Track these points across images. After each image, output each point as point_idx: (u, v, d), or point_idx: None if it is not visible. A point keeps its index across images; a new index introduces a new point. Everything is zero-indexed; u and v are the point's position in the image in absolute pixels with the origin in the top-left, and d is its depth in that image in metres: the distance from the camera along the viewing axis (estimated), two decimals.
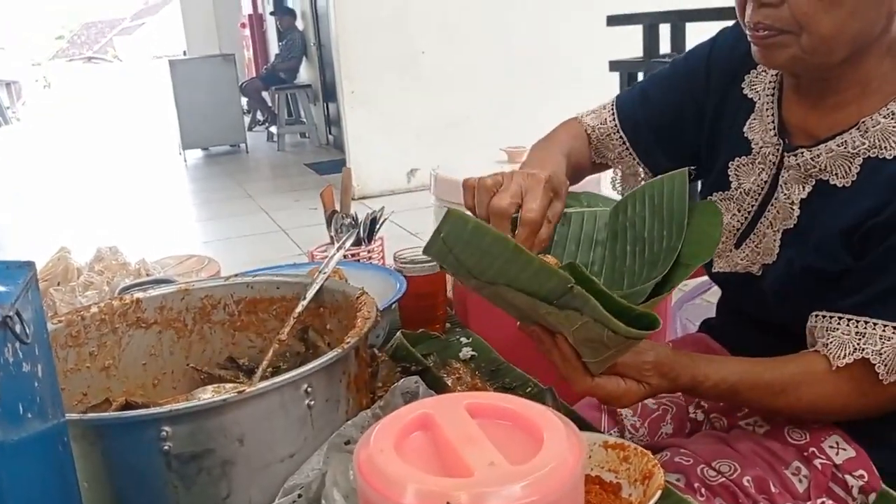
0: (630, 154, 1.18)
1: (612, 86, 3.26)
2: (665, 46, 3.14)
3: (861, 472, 0.90)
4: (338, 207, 1.62)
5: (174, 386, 1.08)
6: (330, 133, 8.70)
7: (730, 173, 1.05)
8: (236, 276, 1.13)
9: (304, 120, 9.20)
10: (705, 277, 1.48)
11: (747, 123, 1.03)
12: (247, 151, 8.76)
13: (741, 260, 1.03)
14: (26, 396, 0.56)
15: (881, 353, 0.86)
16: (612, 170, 1.25)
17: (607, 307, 0.76)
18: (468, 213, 0.85)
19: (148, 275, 1.36)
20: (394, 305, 1.32)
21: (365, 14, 5.93)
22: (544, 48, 6.03)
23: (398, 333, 1.24)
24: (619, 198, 1.12)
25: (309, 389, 0.80)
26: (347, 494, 0.76)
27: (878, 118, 0.89)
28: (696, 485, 0.91)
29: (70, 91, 22.04)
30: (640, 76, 3.09)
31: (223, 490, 0.76)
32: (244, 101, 9.57)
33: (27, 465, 0.56)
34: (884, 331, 0.86)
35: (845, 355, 0.87)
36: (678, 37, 3.14)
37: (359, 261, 1.57)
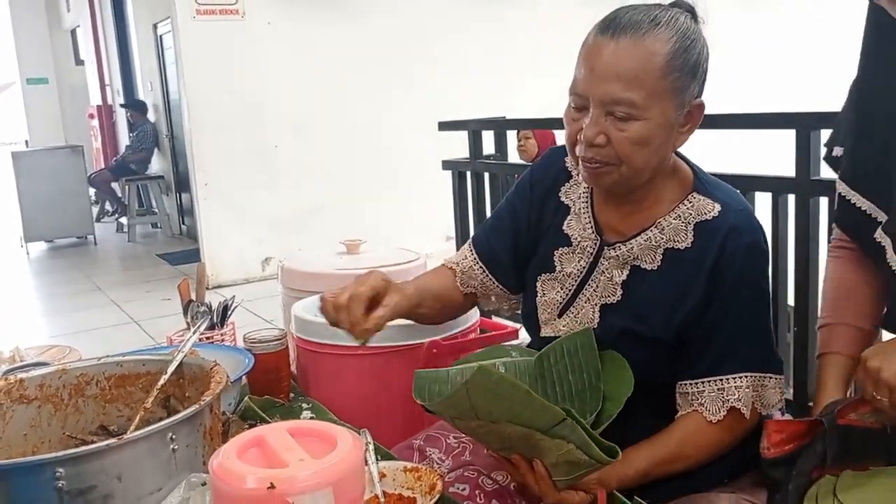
0: (490, 279, 1.43)
1: (446, 180, 3.66)
2: (489, 148, 3.59)
3: None
4: (193, 297, 1.85)
5: (51, 452, 1.27)
6: (183, 223, 8.72)
7: (555, 260, 1.32)
8: (108, 357, 1.35)
9: (156, 210, 9.17)
10: (513, 342, 1.82)
11: (566, 222, 1.32)
12: (95, 243, 8.59)
13: (563, 327, 1.31)
14: None
15: (740, 399, 1.18)
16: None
17: (589, 436, 1.02)
18: (493, 369, 1.06)
19: (22, 360, 1.53)
20: (244, 379, 1.57)
21: (218, 109, 6.15)
22: (388, 146, 6.48)
23: (246, 398, 1.48)
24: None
25: (173, 437, 1.03)
26: None
27: (669, 219, 1.21)
28: (476, 491, 1.18)
29: None
30: (469, 175, 3.50)
31: None
32: (92, 191, 9.43)
33: None
34: (736, 381, 1.18)
35: (718, 410, 1.18)
36: (501, 140, 3.60)
37: (213, 342, 1.79)
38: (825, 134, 2.10)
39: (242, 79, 6.15)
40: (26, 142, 12.06)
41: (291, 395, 1.67)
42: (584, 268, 1.30)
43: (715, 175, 2.20)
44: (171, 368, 1.26)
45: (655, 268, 1.23)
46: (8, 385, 1.23)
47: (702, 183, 1.24)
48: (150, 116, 8.98)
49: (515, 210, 1.41)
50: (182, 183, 8.33)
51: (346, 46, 6.44)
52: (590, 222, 1.31)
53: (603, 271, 1.28)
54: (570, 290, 1.32)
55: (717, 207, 1.20)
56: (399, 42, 6.58)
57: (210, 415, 1.13)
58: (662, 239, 1.22)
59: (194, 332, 1.35)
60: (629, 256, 1.25)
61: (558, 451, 1.03)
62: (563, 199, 1.36)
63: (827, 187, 2.12)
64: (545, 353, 1.30)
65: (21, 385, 1.25)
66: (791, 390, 2.32)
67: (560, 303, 1.33)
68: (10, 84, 12.65)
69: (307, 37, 6.35)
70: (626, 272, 1.26)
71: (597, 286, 1.28)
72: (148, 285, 6.40)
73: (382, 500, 1.07)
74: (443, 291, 1.45)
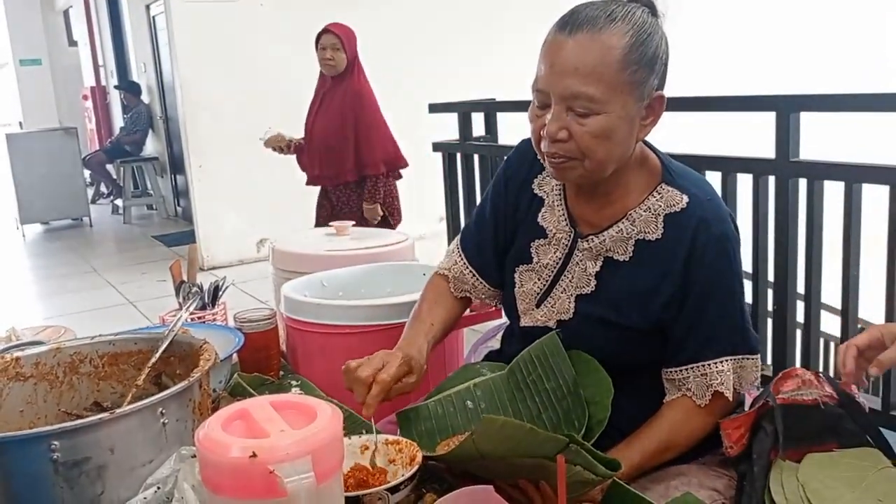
0: (481, 282, 1.47)
1: (438, 162, 3.70)
2: (479, 130, 3.62)
3: None
4: (185, 278, 1.89)
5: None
6: (178, 205, 8.75)
7: (532, 251, 1.35)
8: (101, 335, 1.39)
9: (151, 192, 9.19)
10: (495, 322, 1.87)
11: (540, 214, 1.36)
12: (90, 225, 8.63)
13: (541, 316, 1.35)
14: None
15: (723, 383, 1.23)
16: None
17: (592, 455, 1.02)
18: (497, 417, 1.04)
19: (18, 339, 1.58)
20: (234, 357, 1.62)
21: (211, 91, 6.17)
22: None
23: (236, 374, 1.53)
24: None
25: (163, 411, 1.08)
26: (194, 485, 1.05)
27: (639, 211, 1.25)
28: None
29: None
30: (459, 156, 3.53)
31: (98, 488, 1.03)
32: (87, 173, 9.44)
33: None
34: (718, 366, 1.23)
35: (703, 395, 1.23)
36: (491, 122, 3.63)
37: (204, 322, 1.84)
38: (805, 116, 2.15)
39: (235, 61, 6.16)
40: (20, 123, 12.03)
41: (281, 372, 1.71)
42: (559, 259, 1.34)
43: (697, 157, 2.26)
44: (162, 347, 1.31)
45: (627, 259, 1.27)
46: (4, 363, 1.28)
47: (669, 173, 1.28)
48: (144, 98, 8.98)
49: (495, 207, 1.45)
50: (177, 165, 8.35)
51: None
52: (563, 215, 1.34)
53: (577, 262, 1.32)
54: (546, 281, 1.35)
55: (685, 199, 1.24)
56: (391, 24, 6.58)
57: (199, 390, 1.17)
58: (633, 230, 1.26)
59: (185, 311, 1.39)
60: (601, 248, 1.29)
61: (566, 473, 1.02)
62: (536, 191, 1.39)
63: (806, 168, 2.17)
64: (515, 365, 1.34)
65: (17, 363, 1.29)
66: (771, 367, 2.39)
67: (537, 293, 1.36)
68: (3, 65, 12.58)
69: (299, 19, 6.34)
70: (599, 263, 1.29)
71: (572, 277, 1.32)
72: (143, 267, 6.45)
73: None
74: (447, 310, 1.48)
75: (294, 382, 1.63)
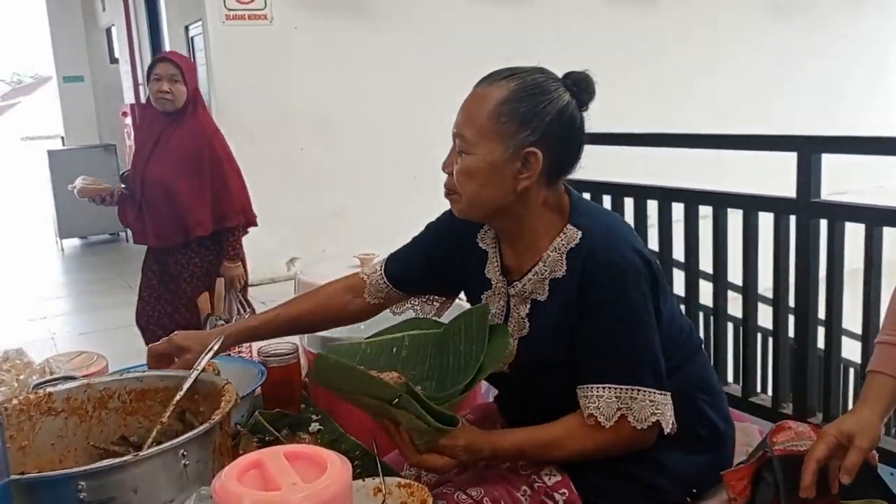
0: (394, 292, 1.58)
1: None
2: None
3: (564, 490, 1.32)
4: (212, 311, 1.95)
5: (77, 460, 1.37)
6: None
7: (483, 303, 1.45)
8: (129, 371, 1.45)
9: None
10: None
11: (486, 267, 1.45)
12: (127, 240, 8.79)
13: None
14: (2, 462, 0.88)
15: (598, 408, 1.27)
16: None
17: (426, 409, 1.20)
18: (331, 355, 1.29)
19: (52, 373, 1.65)
20: (256, 391, 1.67)
21: (246, 111, 6.29)
22: (412, 149, 6.56)
23: (256, 412, 1.58)
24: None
25: (185, 453, 1.13)
26: None
27: (549, 253, 1.34)
28: None
29: None
30: None
31: None
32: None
33: None
34: (597, 391, 1.27)
35: (611, 416, 1.27)
36: None
37: (230, 355, 1.89)
38: (826, 158, 2.16)
39: (270, 82, 6.29)
40: (62, 139, 12.34)
41: (302, 405, 1.76)
42: (503, 307, 1.43)
43: (719, 194, 2.27)
44: (186, 385, 1.36)
45: (545, 298, 1.35)
46: (38, 399, 1.34)
47: (575, 213, 1.36)
48: None
49: (433, 231, 1.56)
50: None
51: (371, 52, 6.54)
52: (497, 265, 1.44)
53: (513, 307, 1.41)
54: None
55: (580, 234, 1.32)
56: (423, 48, 6.67)
57: (220, 432, 1.22)
58: (546, 271, 1.35)
59: (208, 352, 1.45)
60: (524, 292, 1.38)
61: (405, 419, 1.21)
62: (480, 244, 1.48)
63: (827, 209, 2.17)
64: (448, 327, 1.46)
65: (49, 399, 1.36)
66: (791, 405, 2.38)
67: None
68: (47, 79, 12.93)
69: (333, 42, 6.47)
70: (528, 307, 1.38)
71: (514, 323, 1.40)
72: None
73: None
74: (341, 304, 1.61)
75: (314, 416, 1.67)
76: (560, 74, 1.33)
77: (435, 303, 1.61)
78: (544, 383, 1.37)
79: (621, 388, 1.27)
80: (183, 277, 3.19)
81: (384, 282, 1.58)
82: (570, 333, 1.32)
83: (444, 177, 1.37)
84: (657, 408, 1.28)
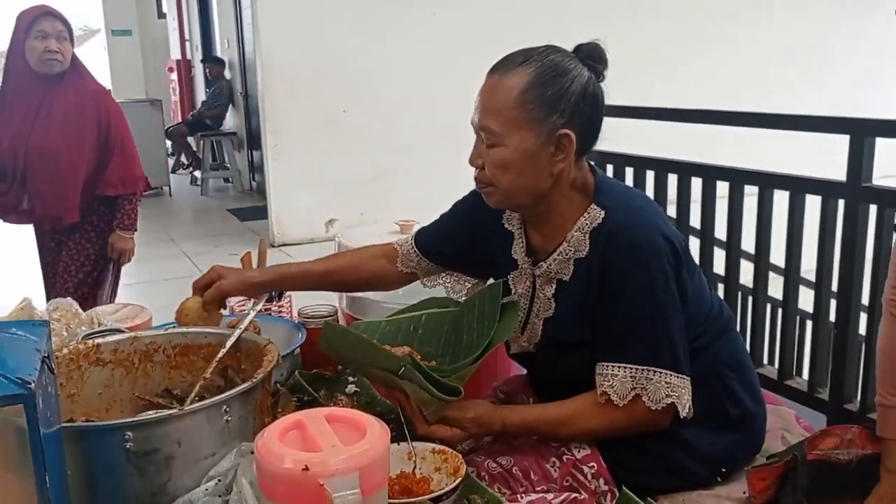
0: (425, 262, 1.60)
1: None
2: None
3: (593, 463, 1.33)
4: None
5: (122, 410, 1.42)
6: (253, 179, 8.98)
7: (510, 284, 1.46)
8: (174, 325, 1.49)
9: (229, 166, 9.46)
10: None
11: (513, 248, 1.46)
12: (170, 195, 8.94)
13: (524, 343, 1.45)
14: (53, 410, 0.92)
15: (612, 386, 1.28)
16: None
17: (430, 380, 1.24)
18: (340, 325, 1.32)
19: (100, 324, 1.69)
20: (296, 351, 1.70)
21: (290, 72, 6.31)
22: (454, 115, 6.50)
23: (296, 373, 1.61)
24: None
25: (227, 409, 1.16)
26: (251, 481, 1.13)
27: (573, 233, 1.34)
28: (482, 473, 1.30)
29: None
30: None
31: (165, 477, 1.12)
32: (169, 144, 9.77)
33: (52, 452, 0.92)
34: (612, 370, 1.28)
35: (625, 395, 1.28)
36: None
37: (270, 314, 1.93)
38: (880, 142, 2.11)
39: (314, 44, 6.28)
40: (109, 91, 12.48)
41: (339, 367, 1.79)
42: (528, 287, 1.44)
43: (767, 175, 2.24)
44: (229, 342, 1.39)
45: (570, 279, 1.36)
46: (86, 349, 1.39)
47: (598, 192, 1.35)
48: (227, 74, 9.22)
49: (459, 210, 1.57)
50: (254, 140, 8.56)
51: (419, 18, 6.50)
52: (523, 245, 1.44)
53: (539, 288, 1.41)
54: (524, 310, 1.44)
55: (602, 213, 1.32)
56: (469, 12, 6.60)
57: (261, 390, 1.25)
58: (571, 251, 1.35)
59: (252, 310, 1.48)
60: (550, 272, 1.38)
61: (410, 390, 1.25)
62: (506, 225, 1.48)
63: (877, 195, 2.13)
64: (463, 305, 1.50)
65: (97, 350, 1.40)
66: (827, 390, 2.36)
67: (520, 322, 1.45)
68: (96, 31, 13.04)
69: (381, 5, 6.43)
70: (553, 287, 1.39)
71: (539, 303, 1.41)
72: (217, 239, 6.67)
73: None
74: (375, 269, 1.63)
75: (351, 379, 1.70)
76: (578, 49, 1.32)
77: (466, 283, 1.62)
78: (569, 362, 1.38)
79: (637, 368, 1.28)
80: (80, 252, 3.00)
81: (415, 251, 1.60)
82: (591, 312, 1.33)
83: None
84: (673, 389, 1.28)
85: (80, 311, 1.75)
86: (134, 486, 1.10)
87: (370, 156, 6.57)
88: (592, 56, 1.31)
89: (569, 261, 1.35)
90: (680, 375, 1.29)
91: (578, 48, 1.32)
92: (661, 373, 1.28)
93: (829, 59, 7.97)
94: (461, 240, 1.55)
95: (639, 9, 7.10)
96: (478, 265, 1.57)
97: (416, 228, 2.41)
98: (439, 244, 1.59)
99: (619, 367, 1.29)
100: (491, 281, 1.53)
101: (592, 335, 1.33)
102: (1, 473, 0.83)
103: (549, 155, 1.29)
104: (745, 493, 1.29)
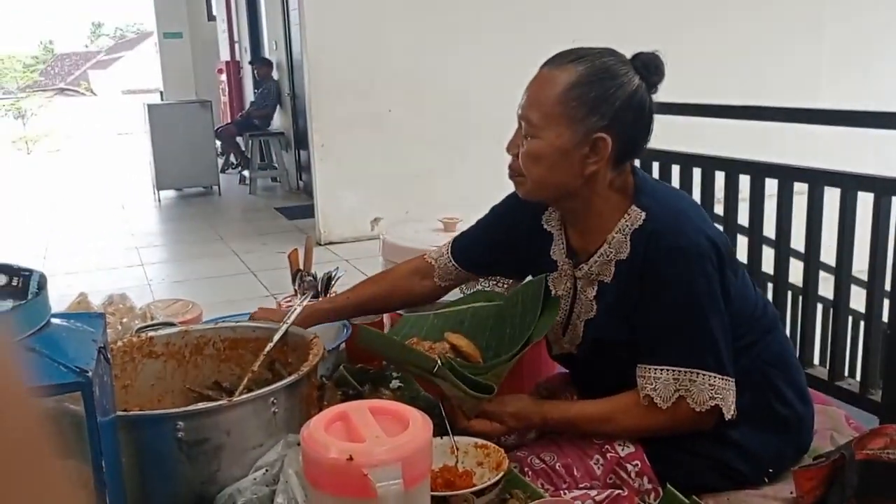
0: (463, 273, 1.61)
1: None
2: None
3: (636, 461, 1.32)
4: (301, 267, 2.02)
5: (173, 401, 1.46)
6: (301, 179, 9.10)
7: (550, 285, 1.45)
8: (224, 320, 1.53)
9: (276, 165, 9.59)
10: None
11: (552, 249, 1.46)
12: (219, 194, 9.09)
13: (566, 344, 1.46)
14: (109, 398, 0.96)
15: (655, 389, 1.27)
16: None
17: (463, 379, 1.26)
18: (372, 329, 1.41)
19: (152, 318, 1.74)
20: (341, 346, 1.73)
21: (336, 72, 6.37)
22: (499, 115, 6.51)
23: (341, 367, 1.64)
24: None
25: (274, 401, 1.19)
26: (297, 471, 1.15)
27: (614, 234, 1.33)
28: (525, 469, 1.30)
29: (43, 122, 22.12)
30: None
31: (214, 466, 1.15)
32: (218, 144, 9.94)
33: (108, 438, 0.95)
34: (655, 372, 1.28)
35: (668, 398, 1.27)
36: None
37: None
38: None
39: (360, 44, 6.33)
40: (161, 93, 12.77)
41: (384, 363, 1.81)
42: (569, 289, 1.44)
43: (815, 171, 2.20)
44: (276, 336, 1.43)
45: (611, 280, 1.35)
46: (140, 342, 1.43)
47: (639, 194, 1.34)
48: (274, 75, 9.35)
49: (498, 215, 1.58)
50: (301, 140, 8.67)
51: (464, 18, 6.51)
52: (563, 246, 1.44)
53: (581, 290, 1.42)
54: (565, 311, 1.44)
55: (643, 215, 1.31)
56: (515, 12, 6.59)
57: (307, 383, 1.28)
58: (612, 253, 1.35)
59: (300, 305, 1.51)
60: (591, 274, 1.38)
61: (445, 387, 1.29)
62: (545, 226, 1.48)
63: None
64: (507, 299, 1.52)
65: (150, 342, 1.44)
66: (880, 392, 2.31)
67: (561, 323, 1.45)
68: (149, 34, 13.37)
69: (426, 4, 6.46)
70: (595, 288, 1.39)
71: (581, 305, 1.41)
72: (264, 238, 6.76)
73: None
74: (412, 288, 1.63)
75: (395, 374, 1.72)
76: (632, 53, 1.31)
77: (504, 284, 1.63)
78: (611, 363, 1.38)
79: (680, 371, 1.27)
80: None
81: (452, 264, 1.61)
82: (632, 314, 1.32)
83: None
84: (717, 391, 1.27)
85: (135, 305, 1.81)
86: (184, 474, 1.14)
87: (415, 154, 6.60)
88: (648, 66, 1.29)
89: (610, 262, 1.35)
90: (724, 377, 1.28)
91: (637, 56, 1.31)
92: (704, 374, 1.27)
93: (884, 56, 7.76)
94: (499, 242, 1.55)
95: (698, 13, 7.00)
96: (517, 267, 1.57)
97: (459, 227, 2.44)
98: (477, 252, 1.59)
99: (661, 369, 1.28)
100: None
101: (632, 336, 1.33)
102: (60, 459, 0.86)
103: (582, 155, 1.28)
104: (791, 493, 1.28)
